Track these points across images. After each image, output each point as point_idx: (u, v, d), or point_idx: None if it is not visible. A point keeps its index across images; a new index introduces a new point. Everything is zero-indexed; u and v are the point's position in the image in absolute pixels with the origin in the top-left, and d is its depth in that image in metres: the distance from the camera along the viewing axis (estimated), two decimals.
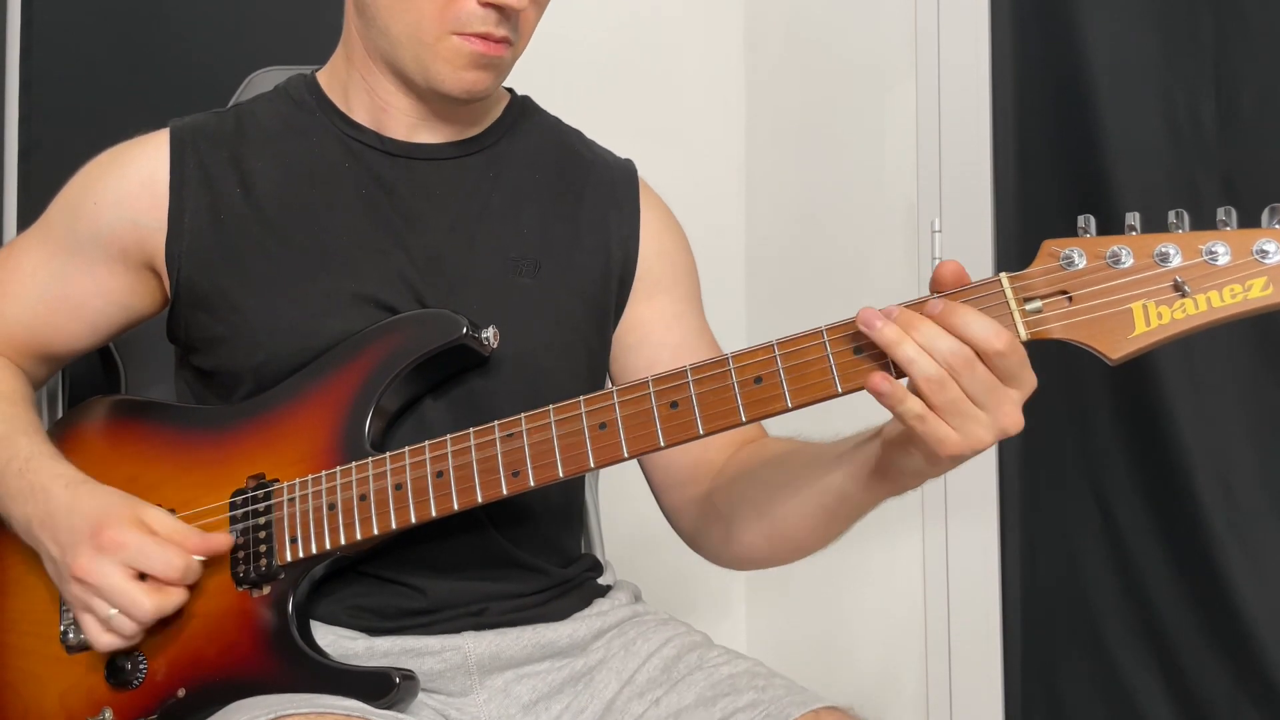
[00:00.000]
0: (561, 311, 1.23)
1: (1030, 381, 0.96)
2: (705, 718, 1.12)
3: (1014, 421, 0.95)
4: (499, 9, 1.14)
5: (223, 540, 1.12)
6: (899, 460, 1.02)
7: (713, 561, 1.27)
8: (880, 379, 0.95)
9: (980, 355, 0.93)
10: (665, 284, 1.29)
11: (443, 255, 1.21)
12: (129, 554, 1.09)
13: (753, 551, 1.21)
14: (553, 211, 1.26)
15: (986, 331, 0.93)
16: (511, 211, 1.25)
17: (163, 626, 1.13)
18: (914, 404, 0.95)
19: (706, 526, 1.24)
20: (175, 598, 1.11)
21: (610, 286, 1.26)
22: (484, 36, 1.15)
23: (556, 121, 1.35)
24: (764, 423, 1.06)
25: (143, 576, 1.10)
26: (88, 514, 1.11)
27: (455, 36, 1.15)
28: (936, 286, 0.98)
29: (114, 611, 1.09)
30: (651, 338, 1.27)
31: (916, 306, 0.96)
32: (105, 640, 1.11)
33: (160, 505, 1.14)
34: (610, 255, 1.27)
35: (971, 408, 0.94)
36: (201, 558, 1.12)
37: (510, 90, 1.34)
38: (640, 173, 1.34)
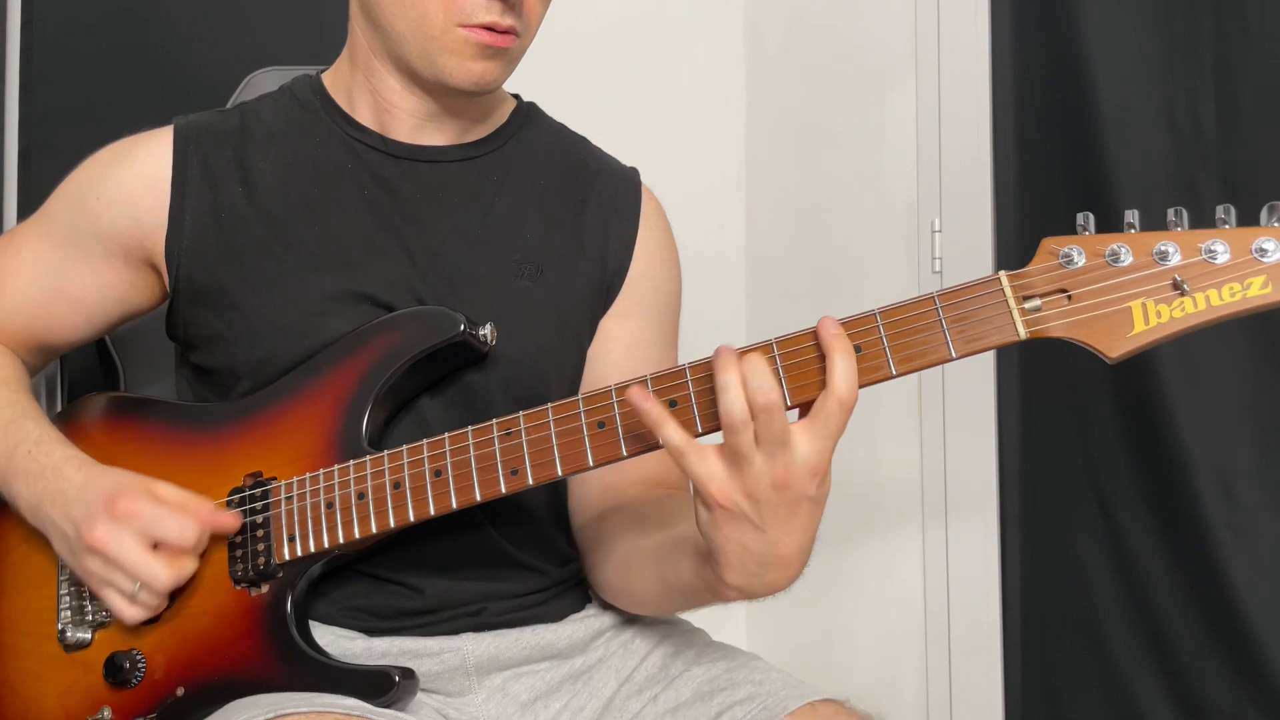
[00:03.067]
0: (561, 316, 1.23)
1: (828, 450, 0.95)
2: (703, 712, 1.12)
3: (785, 475, 0.94)
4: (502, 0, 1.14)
5: (229, 520, 1.13)
6: (697, 523, 1.00)
7: (589, 581, 1.28)
8: (638, 390, 0.98)
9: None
10: (643, 306, 1.29)
11: (444, 257, 1.21)
12: (144, 523, 1.09)
13: (608, 587, 1.23)
14: (556, 218, 1.26)
15: (846, 383, 0.94)
16: (515, 216, 1.25)
17: (162, 625, 1.14)
18: (676, 433, 0.96)
19: (588, 549, 1.26)
20: (189, 567, 1.11)
21: (600, 295, 1.27)
22: (489, 27, 1.15)
23: (562, 128, 1.35)
24: None
25: (155, 546, 1.10)
26: (100, 489, 1.12)
27: (460, 29, 1.15)
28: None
29: (137, 586, 1.09)
30: (611, 355, 1.26)
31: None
32: (131, 614, 1.11)
33: None
34: (606, 265, 1.27)
35: (752, 452, 0.94)
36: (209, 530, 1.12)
37: (517, 96, 1.34)
38: (642, 175, 1.34)
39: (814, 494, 0.96)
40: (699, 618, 1.29)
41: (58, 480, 1.14)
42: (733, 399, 0.94)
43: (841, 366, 0.94)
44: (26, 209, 1.68)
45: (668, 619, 1.26)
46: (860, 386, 0.97)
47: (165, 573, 1.09)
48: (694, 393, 1.01)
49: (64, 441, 1.19)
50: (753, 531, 0.97)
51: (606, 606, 1.26)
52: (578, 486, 1.28)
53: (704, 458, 0.96)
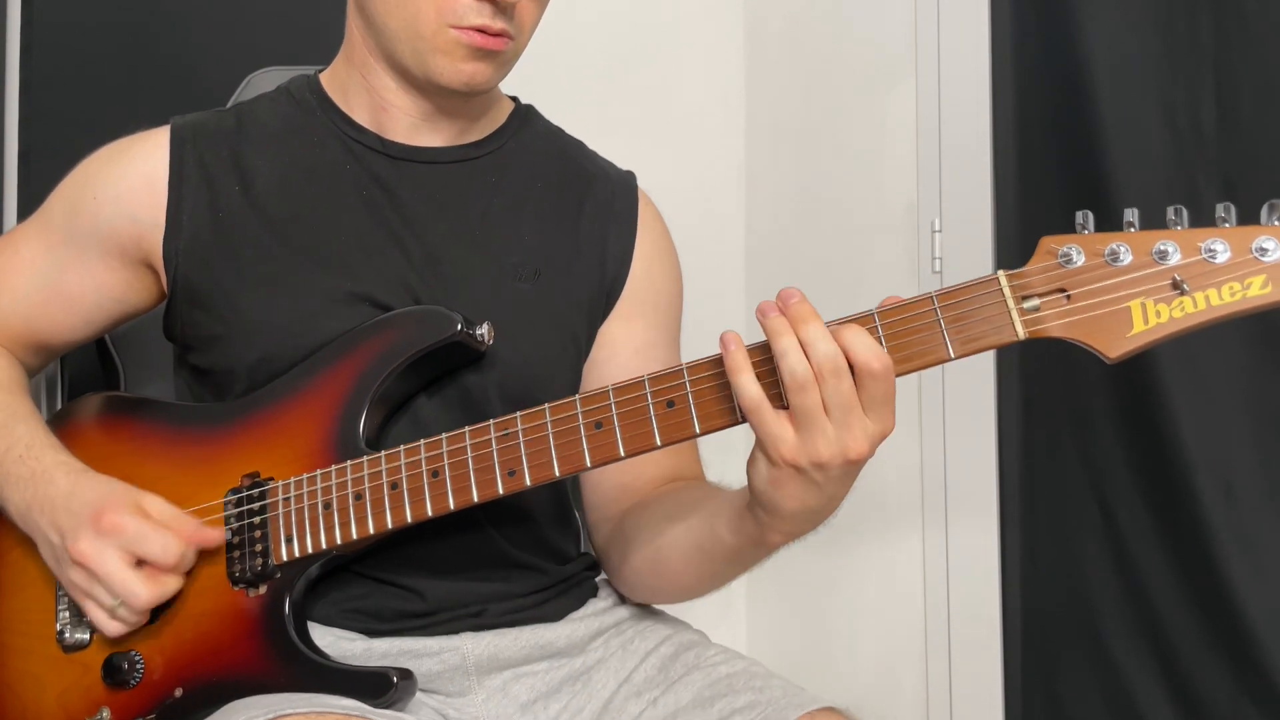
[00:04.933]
0: (558, 319, 1.23)
1: (889, 423, 0.96)
2: (702, 718, 1.12)
3: (859, 449, 0.96)
4: (493, 2, 1.14)
5: (214, 535, 1.13)
6: (752, 477, 1.01)
7: (612, 582, 1.29)
8: (730, 336, 0.98)
9: (856, 372, 0.94)
10: (645, 309, 1.29)
11: (441, 258, 1.21)
12: (127, 539, 1.09)
13: (638, 578, 1.24)
14: (553, 221, 1.26)
15: (868, 352, 0.94)
16: (512, 218, 1.25)
17: (160, 626, 1.14)
18: (751, 385, 0.96)
19: (610, 547, 1.26)
20: (171, 585, 1.11)
21: (599, 299, 1.26)
22: (480, 29, 1.15)
23: (560, 131, 1.35)
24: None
25: (140, 563, 1.10)
26: (88, 499, 1.12)
27: (452, 29, 1.15)
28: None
29: (117, 602, 1.10)
30: (617, 359, 1.26)
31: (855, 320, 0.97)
32: (112, 627, 1.11)
33: None
34: (604, 270, 1.27)
35: (822, 418, 0.95)
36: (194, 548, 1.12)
37: (515, 99, 1.34)
38: (641, 175, 1.34)
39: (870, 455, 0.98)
40: (699, 618, 1.29)
41: (46, 487, 1.14)
42: (795, 360, 0.94)
43: (856, 342, 0.94)
44: (26, 209, 1.68)
45: (668, 621, 1.26)
46: None
47: (145, 590, 1.09)
48: (691, 393, 1.01)
49: (56, 446, 1.19)
50: (815, 491, 0.99)
51: (607, 606, 1.26)
52: (590, 489, 1.28)
53: (778, 418, 0.96)
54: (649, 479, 1.23)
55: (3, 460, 1.18)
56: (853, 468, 0.97)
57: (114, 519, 1.10)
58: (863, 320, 0.98)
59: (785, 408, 0.97)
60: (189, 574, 1.13)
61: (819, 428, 0.95)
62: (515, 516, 1.21)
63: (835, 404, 0.94)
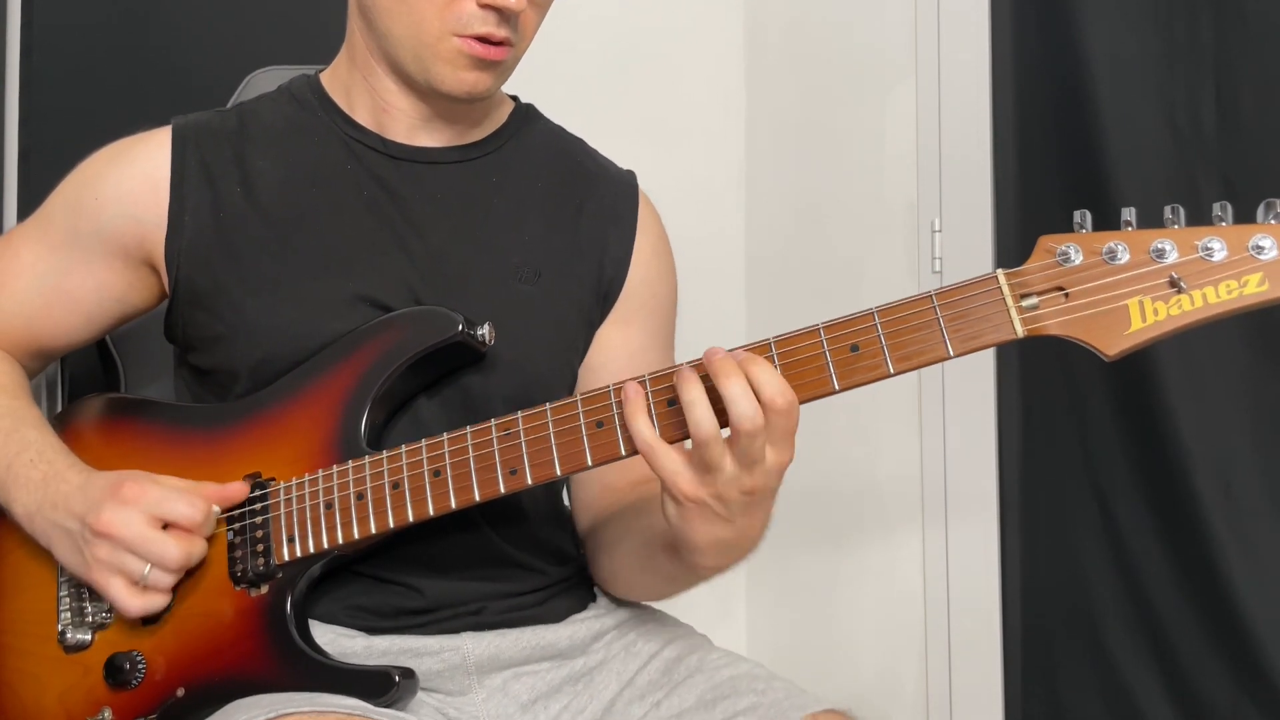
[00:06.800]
0: (559, 320, 1.23)
1: (788, 455, 0.99)
2: None
3: (754, 483, 0.98)
4: (498, 10, 1.15)
5: (238, 489, 1.13)
6: (665, 513, 1.04)
7: (591, 576, 1.31)
8: (630, 385, 1.01)
9: (761, 406, 0.96)
10: (642, 314, 1.29)
11: (444, 258, 1.21)
12: (150, 502, 1.09)
13: (607, 583, 1.28)
14: (554, 221, 1.26)
15: (774, 388, 0.96)
16: (513, 218, 1.25)
17: (162, 626, 1.14)
18: (645, 428, 1.00)
19: (588, 544, 1.29)
20: (199, 547, 1.11)
21: (597, 302, 1.27)
22: (484, 38, 1.16)
23: (560, 130, 1.35)
24: None
25: (164, 528, 1.10)
26: (103, 481, 1.12)
27: (455, 38, 1.16)
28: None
29: (148, 568, 1.09)
30: (613, 365, 1.27)
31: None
32: (137, 604, 1.10)
33: None
34: (603, 272, 1.27)
35: (724, 463, 0.98)
36: (220, 509, 1.13)
37: (515, 98, 1.34)
38: (641, 175, 1.34)
39: (777, 484, 1.00)
40: (699, 619, 1.29)
41: (59, 484, 1.14)
42: (700, 415, 0.97)
43: (764, 378, 0.96)
44: (26, 209, 1.68)
45: (671, 623, 1.27)
46: (858, 385, 0.99)
47: (176, 548, 1.09)
48: None
49: (65, 450, 1.19)
50: (723, 524, 1.01)
51: (609, 607, 1.27)
52: (579, 490, 1.29)
53: (671, 456, 0.99)
54: (630, 479, 1.23)
55: (14, 463, 1.18)
56: (753, 498, 0.99)
57: (134, 488, 1.10)
58: (862, 319, 0.98)
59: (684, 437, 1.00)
60: (191, 575, 1.13)
61: (718, 468, 0.98)
62: (513, 516, 1.22)
63: (742, 455, 0.97)
